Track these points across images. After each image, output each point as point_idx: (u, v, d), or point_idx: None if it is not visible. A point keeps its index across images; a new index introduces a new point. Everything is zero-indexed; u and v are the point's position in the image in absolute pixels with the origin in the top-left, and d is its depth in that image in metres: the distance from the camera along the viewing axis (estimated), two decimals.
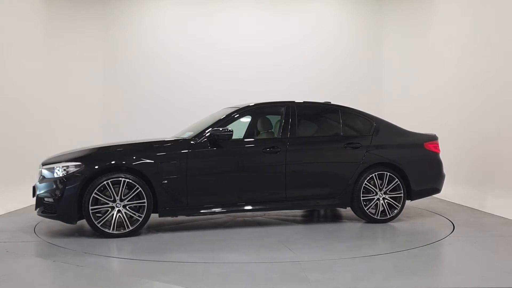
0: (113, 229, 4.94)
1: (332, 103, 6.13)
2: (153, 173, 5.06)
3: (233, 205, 5.38)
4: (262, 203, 5.48)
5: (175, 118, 8.99)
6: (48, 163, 5.26)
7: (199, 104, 9.15)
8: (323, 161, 5.67)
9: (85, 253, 4.40)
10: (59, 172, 5.00)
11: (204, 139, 5.31)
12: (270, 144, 5.50)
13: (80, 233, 5.33)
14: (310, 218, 6.26)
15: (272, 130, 5.92)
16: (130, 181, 4.95)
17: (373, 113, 6.22)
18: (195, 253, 4.41)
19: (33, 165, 8.27)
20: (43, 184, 5.08)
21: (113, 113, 9.72)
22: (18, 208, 6.88)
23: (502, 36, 6.67)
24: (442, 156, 6.18)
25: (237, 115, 5.64)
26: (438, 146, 6.13)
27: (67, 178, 4.92)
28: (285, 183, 5.48)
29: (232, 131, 5.28)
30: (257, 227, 5.64)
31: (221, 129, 5.28)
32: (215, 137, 5.27)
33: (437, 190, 6.12)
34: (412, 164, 5.86)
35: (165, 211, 5.16)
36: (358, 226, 5.63)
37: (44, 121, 8.73)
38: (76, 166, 4.97)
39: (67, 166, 4.99)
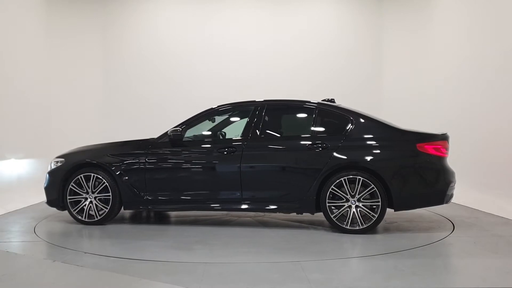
0: (85, 217, 5.64)
1: (335, 100, 5.99)
2: (116, 170, 5.58)
3: (188, 202, 5.52)
4: (218, 203, 5.47)
5: (175, 117, 8.96)
6: (55, 158, 6.01)
7: (199, 104, 9.08)
8: (281, 163, 5.33)
9: (85, 253, 4.40)
10: (52, 165, 5.87)
11: (165, 139, 5.62)
12: (227, 145, 5.47)
13: (80, 233, 5.36)
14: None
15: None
16: (99, 176, 5.57)
17: (373, 113, 6.10)
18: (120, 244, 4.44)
19: (33, 164, 8.28)
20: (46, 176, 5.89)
21: (113, 112, 9.73)
22: (18, 208, 6.88)
23: (502, 35, 6.67)
24: None
25: (204, 116, 5.77)
26: (441, 148, 5.17)
27: (54, 171, 5.79)
28: (241, 184, 5.34)
29: (180, 131, 5.50)
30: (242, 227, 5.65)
31: (179, 129, 5.52)
32: (171, 137, 5.54)
33: (436, 200, 5.20)
34: (394, 168, 5.08)
35: (128, 204, 5.62)
36: None
37: (44, 120, 8.74)
38: (61, 162, 5.80)
39: (57, 162, 5.84)
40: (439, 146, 5.17)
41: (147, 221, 6.20)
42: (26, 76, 8.14)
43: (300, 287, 3.41)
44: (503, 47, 6.65)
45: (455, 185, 5.30)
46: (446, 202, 5.20)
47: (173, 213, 6.55)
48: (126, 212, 6.55)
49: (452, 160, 5.78)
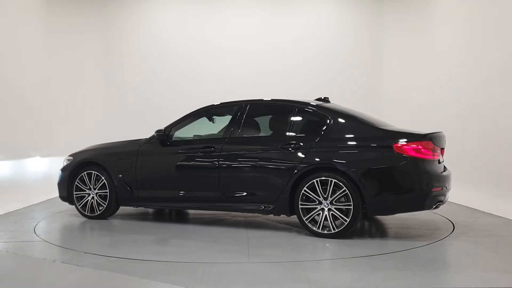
0: (87, 212, 5.99)
1: (329, 99, 5.90)
2: (112, 168, 5.89)
3: (173, 200, 5.65)
4: (199, 202, 5.54)
5: (175, 117, 8.94)
6: (67, 156, 6.38)
7: (199, 104, 9.05)
8: (256, 163, 5.21)
9: (85, 253, 4.40)
10: (64, 163, 6.27)
11: (154, 139, 5.82)
12: (207, 144, 5.49)
13: (80, 233, 5.37)
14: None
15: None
16: (98, 174, 5.93)
17: (373, 113, 6.10)
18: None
19: (33, 164, 8.28)
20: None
21: (113, 112, 9.73)
22: (18, 208, 6.87)
23: (502, 35, 6.67)
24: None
25: (191, 116, 5.89)
26: (422, 149, 4.66)
27: (64, 168, 6.20)
28: (219, 184, 5.34)
29: (163, 131, 5.70)
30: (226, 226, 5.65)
31: (163, 129, 5.73)
32: (156, 137, 5.75)
33: (415, 206, 4.81)
34: (367, 170, 4.72)
35: (123, 201, 5.91)
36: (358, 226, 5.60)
37: (44, 120, 8.74)
38: (70, 160, 6.21)
39: (68, 160, 6.25)
40: (419, 147, 4.65)
41: (169, 218, 6.25)
42: (26, 76, 8.14)
43: (300, 287, 3.41)
44: (503, 47, 6.65)
45: (447, 188, 4.93)
46: (429, 208, 4.78)
47: (190, 211, 6.64)
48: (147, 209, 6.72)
49: (452, 160, 5.76)
